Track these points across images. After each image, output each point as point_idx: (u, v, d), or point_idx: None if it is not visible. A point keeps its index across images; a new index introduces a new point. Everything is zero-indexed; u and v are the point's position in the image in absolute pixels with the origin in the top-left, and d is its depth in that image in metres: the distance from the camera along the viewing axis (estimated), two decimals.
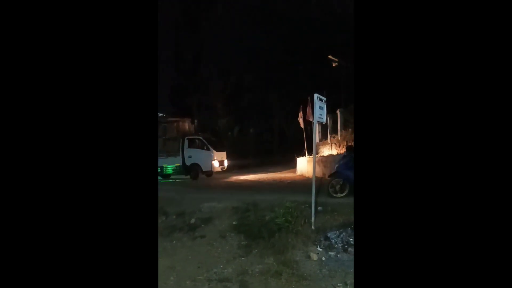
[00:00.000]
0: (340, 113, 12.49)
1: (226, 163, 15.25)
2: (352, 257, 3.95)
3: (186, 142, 14.41)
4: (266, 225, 4.82)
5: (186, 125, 15.78)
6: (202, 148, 14.10)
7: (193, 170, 14.15)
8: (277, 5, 22.20)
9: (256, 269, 3.93)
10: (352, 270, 3.67)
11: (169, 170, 14.61)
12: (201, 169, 14.08)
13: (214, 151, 14.09)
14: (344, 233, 4.39)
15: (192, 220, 5.76)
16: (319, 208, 5.40)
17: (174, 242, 5.10)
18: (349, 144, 10.08)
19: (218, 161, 14.18)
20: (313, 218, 4.77)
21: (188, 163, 14.23)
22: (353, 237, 4.27)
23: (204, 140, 14.26)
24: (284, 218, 4.70)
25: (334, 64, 15.58)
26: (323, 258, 4.02)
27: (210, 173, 14.51)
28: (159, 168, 14.22)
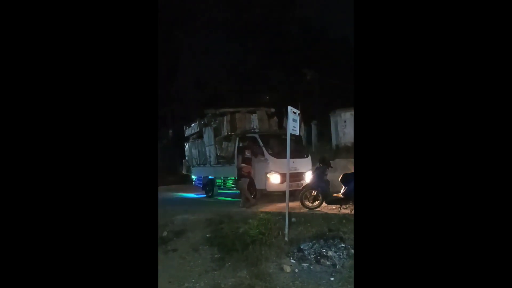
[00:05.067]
0: (314, 126, 12.72)
1: (306, 178, 7.85)
2: (324, 268, 3.98)
3: (239, 143, 8.51)
4: (240, 237, 4.78)
5: (250, 116, 9.42)
6: (255, 154, 7.83)
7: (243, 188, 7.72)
8: (253, 18, 22.56)
9: (229, 282, 3.88)
10: (324, 281, 3.70)
11: (229, 184, 9.22)
12: (255, 187, 7.77)
13: (272, 158, 7.69)
14: (317, 244, 4.42)
15: (164, 233, 5.62)
16: (293, 219, 5.42)
17: None
18: (323, 155, 10.24)
19: (279, 174, 7.52)
20: (286, 230, 4.78)
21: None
22: (325, 248, 4.31)
23: (259, 140, 8.01)
24: (258, 230, 4.68)
25: (308, 77, 15.93)
26: (296, 270, 4.02)
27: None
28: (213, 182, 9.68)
